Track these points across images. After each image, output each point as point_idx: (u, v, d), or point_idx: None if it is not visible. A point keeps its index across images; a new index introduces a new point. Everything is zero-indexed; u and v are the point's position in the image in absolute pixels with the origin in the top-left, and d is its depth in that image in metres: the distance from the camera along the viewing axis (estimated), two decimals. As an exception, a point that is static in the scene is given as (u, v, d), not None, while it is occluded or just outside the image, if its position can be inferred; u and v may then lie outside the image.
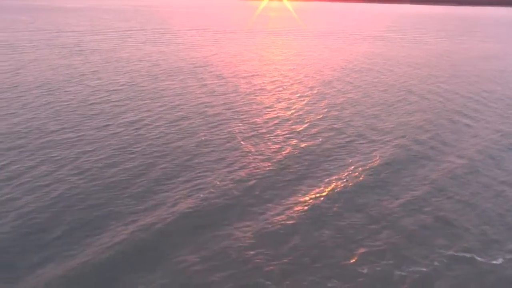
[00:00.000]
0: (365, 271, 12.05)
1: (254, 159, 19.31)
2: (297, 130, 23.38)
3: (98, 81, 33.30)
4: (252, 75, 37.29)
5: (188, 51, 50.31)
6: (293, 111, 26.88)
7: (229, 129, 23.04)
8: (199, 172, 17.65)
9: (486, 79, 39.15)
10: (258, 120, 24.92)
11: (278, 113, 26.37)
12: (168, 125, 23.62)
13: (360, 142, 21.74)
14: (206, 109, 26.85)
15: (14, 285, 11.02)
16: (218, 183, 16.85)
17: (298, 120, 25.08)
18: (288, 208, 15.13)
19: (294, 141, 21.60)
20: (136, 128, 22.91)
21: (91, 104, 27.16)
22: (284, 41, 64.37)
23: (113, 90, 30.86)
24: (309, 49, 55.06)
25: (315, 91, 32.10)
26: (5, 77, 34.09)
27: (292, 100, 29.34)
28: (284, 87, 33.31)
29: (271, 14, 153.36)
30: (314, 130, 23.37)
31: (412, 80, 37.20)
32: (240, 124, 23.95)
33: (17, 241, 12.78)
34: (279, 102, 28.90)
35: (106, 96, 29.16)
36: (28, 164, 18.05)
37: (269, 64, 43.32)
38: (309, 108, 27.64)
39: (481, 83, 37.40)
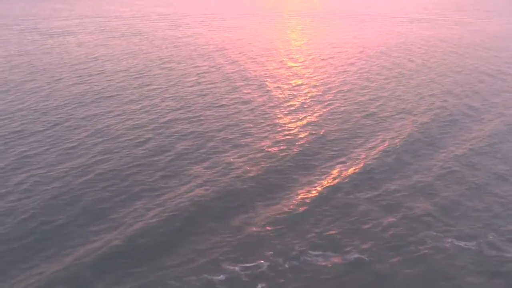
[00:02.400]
0: (392, 252, 12.43)
1: (284, 134, 20.47)
2: (332, 107, 24.45)
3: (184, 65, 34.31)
4: (290, 58, 37.57)
5: (212, 34, 50.76)
6: (332, 89, 27.81)
7: (254, 109, 24.05)
8: (222, 155, 18.41)
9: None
10: (287, 101, 25.73)
11: (309, 93, 27.02)
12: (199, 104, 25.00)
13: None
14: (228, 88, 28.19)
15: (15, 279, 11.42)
16: (247, 164, 17.56)
17: (333, 98, 26.01)
18: (316, 185, 15.92)
19: (327, 115, 22.80)
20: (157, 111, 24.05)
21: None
22: (318, 25, 63.88)
23: (198, 73, 31.82)
24: (345, 33, 54.58)
25: (358, 72, 32.28)
26: (85, 60, 35.34)
27: (331, 80, 29.72)
28: (328, 68, 33.56)
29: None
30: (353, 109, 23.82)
31: (481, 62, 36.80)
32: (264, 106, 24.76)
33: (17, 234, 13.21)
34: (313, 84, 29.35)
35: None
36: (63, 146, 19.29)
37: (308, 48, 43.35)
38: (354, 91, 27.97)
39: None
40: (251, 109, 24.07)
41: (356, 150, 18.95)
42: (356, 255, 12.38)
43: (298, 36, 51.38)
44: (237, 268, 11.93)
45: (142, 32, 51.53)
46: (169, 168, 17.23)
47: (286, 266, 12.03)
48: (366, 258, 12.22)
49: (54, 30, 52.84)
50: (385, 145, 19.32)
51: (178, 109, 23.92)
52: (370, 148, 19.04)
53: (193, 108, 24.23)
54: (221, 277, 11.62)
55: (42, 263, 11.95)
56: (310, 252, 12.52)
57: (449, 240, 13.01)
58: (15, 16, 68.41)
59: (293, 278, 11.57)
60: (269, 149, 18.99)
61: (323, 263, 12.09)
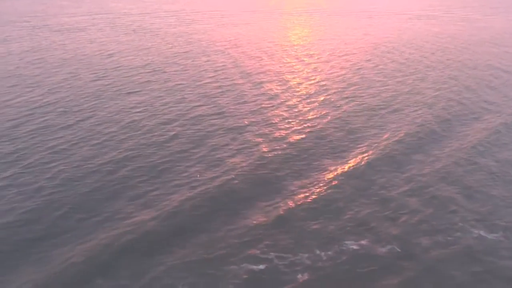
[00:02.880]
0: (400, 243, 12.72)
1: (288, 129, 20.87)
2: (336, 101, 24.97)
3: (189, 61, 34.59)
4: (294, 54, 37.79)
5: (223, 30, 50.86)
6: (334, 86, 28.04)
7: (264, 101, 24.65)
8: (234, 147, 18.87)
9: None
10: (297, 94, 26.22)
11: (317, 87, 27.28)
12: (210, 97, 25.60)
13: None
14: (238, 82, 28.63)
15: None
16: (262, 148, 18.45)
17: (337, 92, 26.44)
18: (327, 175, 16.41)
19: (333, 110, 23.21)
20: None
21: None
22: (327, 22, 63.93)
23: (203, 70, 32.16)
24: (355, 29, 54.71)
25: (368, 68, 32.48)
26: (99, 56, 35.60)
27: (338, 77, 29.93)
28: (336, 65, 33.78)
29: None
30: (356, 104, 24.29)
31: (494, 58, 36.96)
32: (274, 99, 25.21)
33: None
34: (322, 78, 29.57)
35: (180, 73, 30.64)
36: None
37: (311, 44, 43.52)
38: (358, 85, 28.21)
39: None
40: (275, 104, 24.43)
41: (381, 138, 19.44)
42: (390, 245, 12.68)
43: (310, 32, 51.48)
44: (275, 259, 12.24)
45: (153, 28, 51.69)
46: (203, 159, 17.67)
47: (323, 256, 12.35)
48: (399, 249, 12.54)
49: (64, 27, 53.02)
50: (407, 134, 19.93)
51: (202, 105, 24.22)
52: (392, 137, 19.62)
53: (216, 103, 24.51)
54: (261, 266, 11.93)
55: (81, 250, 12.32)
56: (345, 242, 12.84)
57: (477, 230, 13.36)
58: (23, 13, 68.52)
59: (332, 267, 11.87)
60: (295, 139, 19.69)
61: (360, 252, 12.42)
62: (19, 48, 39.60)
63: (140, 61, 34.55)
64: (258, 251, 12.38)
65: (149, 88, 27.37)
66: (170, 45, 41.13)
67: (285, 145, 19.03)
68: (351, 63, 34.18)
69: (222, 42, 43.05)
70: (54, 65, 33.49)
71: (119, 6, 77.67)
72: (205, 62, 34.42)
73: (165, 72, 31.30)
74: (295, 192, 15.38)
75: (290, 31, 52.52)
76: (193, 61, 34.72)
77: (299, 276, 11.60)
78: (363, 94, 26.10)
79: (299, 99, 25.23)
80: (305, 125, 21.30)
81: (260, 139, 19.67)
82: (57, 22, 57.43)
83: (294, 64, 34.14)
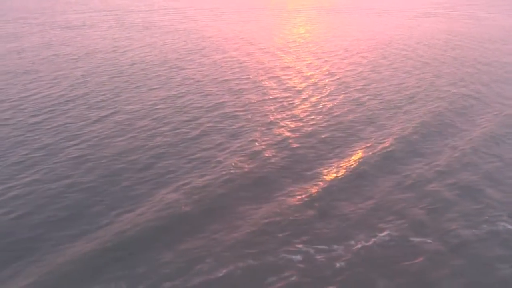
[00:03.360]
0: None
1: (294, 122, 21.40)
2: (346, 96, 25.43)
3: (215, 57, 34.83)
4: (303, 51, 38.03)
5: (230, 28, 51.10)
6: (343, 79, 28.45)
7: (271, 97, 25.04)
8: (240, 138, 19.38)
9: None
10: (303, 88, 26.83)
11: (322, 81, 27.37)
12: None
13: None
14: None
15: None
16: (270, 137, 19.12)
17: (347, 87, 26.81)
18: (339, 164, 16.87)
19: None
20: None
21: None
22: (334, 19, 64.09)
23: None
24: (365, 26, 54.88)
25: (377, 65, 32.76)
26: (115, 53, 35.87)
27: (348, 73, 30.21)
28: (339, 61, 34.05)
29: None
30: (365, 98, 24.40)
31: (506, 55, 37.19)
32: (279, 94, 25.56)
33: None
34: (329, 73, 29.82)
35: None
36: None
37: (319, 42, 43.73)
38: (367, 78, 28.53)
39: None
40: (298, 101, 24.78)
41: (406, 131, 19.80)
42: (424, 235, 12.95)
43: (321, 29, 51.63)
44: (311, 250, 12.51)
45: (163, 25, 51.88)
46: (236, 152, 18.05)
47: (358, 245, 12.62)
48: (434, 239, 12.82)
49: (73, 23, 53.24)
50: (430, 125, 20.36)
51: (226, 101, 24.43)
52: (415, 128, 20.08)
53: (240, 100, 24.80)
54: (298, 257, 12.21)
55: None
56: (378, 232, 13.14)
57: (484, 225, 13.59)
58: (30, 9, 68.67)
59: (367, 256, 12.16)
60: (323, 130, 20.50)
61: (393, 242, 12.72)
62: (32, 45, 39.84)
63: (156, 57, 34.80)
64: (294, 242, 12.69)
65: (169, 85, 27.61)
66: (184, 42, 41.35)
67: (314, 137, 19.62)
68: (368, 60, 34.42)
69: (235, 39, 43.28)
70: (70, 61, 33.71)
71: (126, 3, 77.80)
72: (221, 59, 34.65)
73: (183, 68, 31.52)
74: (324, 180, 15.85)
75: (301, 28, 52.69)
76: (208, 58, 34.95)
77: (337, 265, 11.90)
78: (383, 91, 26.41)
79: (322, 95, 25.58)
80: (331, 118, 21.96)
81: (289, 133, 20.12)
82: (66, 19, 57.66)
83: (311, 61, 34.35)
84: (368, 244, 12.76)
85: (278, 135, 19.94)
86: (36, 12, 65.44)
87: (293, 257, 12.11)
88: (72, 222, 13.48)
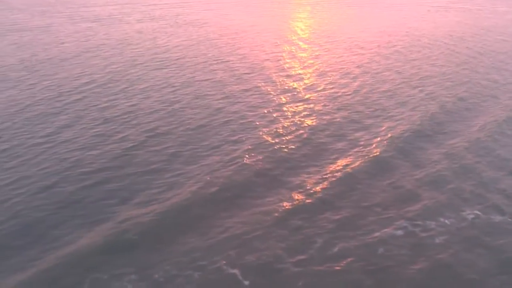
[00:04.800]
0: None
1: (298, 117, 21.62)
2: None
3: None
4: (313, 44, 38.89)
5: (266, 24, 51.89)
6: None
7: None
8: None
9: None
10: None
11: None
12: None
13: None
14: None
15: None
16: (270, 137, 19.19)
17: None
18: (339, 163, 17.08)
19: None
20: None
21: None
22: (351, 12, 64.64)
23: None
24: (388, 21, 55.50)
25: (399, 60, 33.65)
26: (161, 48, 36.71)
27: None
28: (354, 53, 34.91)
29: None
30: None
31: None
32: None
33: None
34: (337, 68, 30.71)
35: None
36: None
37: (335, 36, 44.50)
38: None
39: None
40: (329, 93, 25.70)
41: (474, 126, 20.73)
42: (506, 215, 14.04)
43: (339, 22, 52.28)
44: (409, 225, 13.60)
45: (193, 20, 52.46)
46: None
47: (448, 222, 13.68)
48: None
49: (101, 17, 53.89)
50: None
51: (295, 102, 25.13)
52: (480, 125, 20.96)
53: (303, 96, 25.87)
54: (400, 232, 13.30)
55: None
56: (462, 211, 14.22)
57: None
58: (51, 3, 69.11)
59: (457, 233, 13.24)
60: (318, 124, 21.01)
61: (478, 220, 13.75)
62: (69, 38, 40.53)
63: (201, 53, 35.23)
64: (394, 218, 13.81)
65: (231, 80, 28.23)
66: (220, 36, 42.09)
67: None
68: (404, 55, 35.07)
69: (277, 34, 43.85)
70: (115, 54, 34.50)
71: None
72: (270, 53, 35.41)
73: (232, 62, 32.26)
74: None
75: (313, 20, 53.24)
76: (252, 51, 35.81)
77: (437, 240, 12.99)
78: (431, 85, 27.34)
79: (375, 92, 26.28)
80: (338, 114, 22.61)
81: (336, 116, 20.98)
82: (91, 13, 58.17)
83: (347, 56, 35.12)
84: (453, 221, 13.83)
85: (326, 113, 20.91)
86: (58, 5, 65.95)
87: (396, 232, 13.27)
88: (80, 213, 13.80)
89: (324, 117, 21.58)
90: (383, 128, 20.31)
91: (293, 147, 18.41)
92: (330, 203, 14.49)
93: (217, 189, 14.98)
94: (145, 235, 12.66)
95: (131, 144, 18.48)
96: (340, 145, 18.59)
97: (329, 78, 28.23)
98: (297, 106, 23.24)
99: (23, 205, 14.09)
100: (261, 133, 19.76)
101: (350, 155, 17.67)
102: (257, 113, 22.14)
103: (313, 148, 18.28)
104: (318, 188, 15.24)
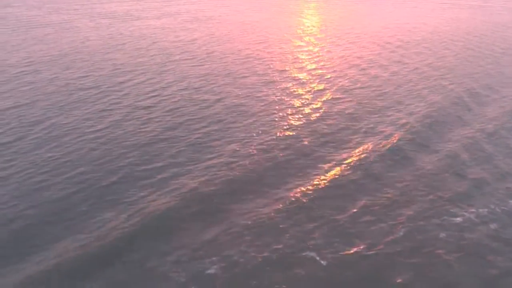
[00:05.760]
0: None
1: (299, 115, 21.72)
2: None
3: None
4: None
5: (288, 21, 52.28)
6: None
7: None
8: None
9: None
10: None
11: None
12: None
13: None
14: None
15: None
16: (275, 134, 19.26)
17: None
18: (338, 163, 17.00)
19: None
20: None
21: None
22: (370, 8, 64.88)
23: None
24: (409, 18, 55.75)
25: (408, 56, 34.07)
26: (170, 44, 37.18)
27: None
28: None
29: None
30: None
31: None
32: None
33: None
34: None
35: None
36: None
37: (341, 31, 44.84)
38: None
39: None
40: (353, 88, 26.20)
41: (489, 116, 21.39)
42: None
43: (358, 18, 52.57)
44: (467, 213, 14.11)
45: (212, 16, 52.75)
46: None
47: (498, 210, 14.26)
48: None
49: (118, 14, 54.12)
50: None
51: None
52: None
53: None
54: (459, 219, 13.83)
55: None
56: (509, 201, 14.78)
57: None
58: (65, 1, 69.20)
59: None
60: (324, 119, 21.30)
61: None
62: (97, 36, 40.51)
63: (226, 49, 35.57)
64: (451, 207, 14.36)
65: (263, 76, 28.40)
66: (242, 32, 42.48)
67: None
68: (432, 51, 35.55)
69: (300, 29, 44.20)
70: (142, 50, 34.77)
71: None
72: (295, 50, 35.72)
73: (261, 58, 32.51)
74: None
75: (329, 15, 53.57)
76: (284, 50, 35.94)
77: (492, 226, 13.52)
78: (464, 79, 27.93)
79: (396, 86, 26.91)
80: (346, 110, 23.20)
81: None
82: (108, 10, 58.36)
83: (371, 52, 35.50)
84: (506, 209, 14.37)
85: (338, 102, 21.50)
86: (72, 2, 66.13)
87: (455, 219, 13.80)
88: (86, 207, 13.87)
89: (336, 107, 22.37)
90: (401, 118, 21.02)
91: (310, 138, 18.91)
92: (352, 192, 14.95)
93: (236, 179, 15.58)
94: (164, 222, 13.13)
95: (157, 134, 19.20)
96: (355, 136, 19.10)
97: (351, 71, 28.89)
98: (311, 100, 23.74)
99: (51, 192, 14.53)
100: (276, 124, 20.37)
101: (366, 145, 18.22)
102: (274, 106, 22.61)
103: (332, 137, 18.80)
104: (339, 176, 15.74)
